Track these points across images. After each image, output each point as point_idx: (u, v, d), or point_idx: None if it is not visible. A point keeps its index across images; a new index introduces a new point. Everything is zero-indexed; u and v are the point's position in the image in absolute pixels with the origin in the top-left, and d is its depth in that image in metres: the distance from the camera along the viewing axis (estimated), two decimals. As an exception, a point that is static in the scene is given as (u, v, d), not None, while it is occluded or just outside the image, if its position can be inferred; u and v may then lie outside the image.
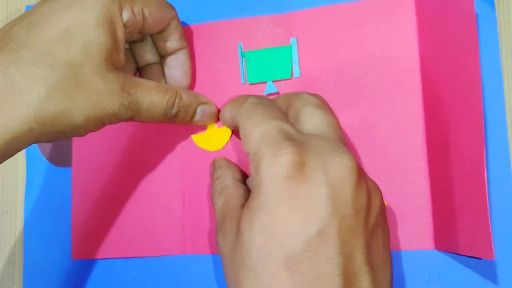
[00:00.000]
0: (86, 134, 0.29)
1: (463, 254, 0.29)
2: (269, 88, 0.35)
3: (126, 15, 0.30)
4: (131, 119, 0.30)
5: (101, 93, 0.28)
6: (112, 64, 0.29)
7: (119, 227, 0.37)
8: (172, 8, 0.34)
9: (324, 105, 0.30)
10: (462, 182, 0.28)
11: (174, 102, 0.32)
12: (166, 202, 0.37)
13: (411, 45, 0.34)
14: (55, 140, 0.28)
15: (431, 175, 0.32)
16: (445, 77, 0.30)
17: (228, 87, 0.37)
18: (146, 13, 0.31)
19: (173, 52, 0.35)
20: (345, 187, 0.24)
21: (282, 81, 0.36)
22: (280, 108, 0.30)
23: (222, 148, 0.36)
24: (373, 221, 0.25)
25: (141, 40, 0.35)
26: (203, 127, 0.37)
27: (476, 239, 0.28)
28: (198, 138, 0.37)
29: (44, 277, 0.39)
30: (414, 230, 0.33)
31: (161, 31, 0.34)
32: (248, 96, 0.31)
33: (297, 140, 0.26)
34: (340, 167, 0.24)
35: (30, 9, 0.29)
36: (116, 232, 0.37)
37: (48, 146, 0.40)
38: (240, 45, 0.36)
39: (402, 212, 0.33)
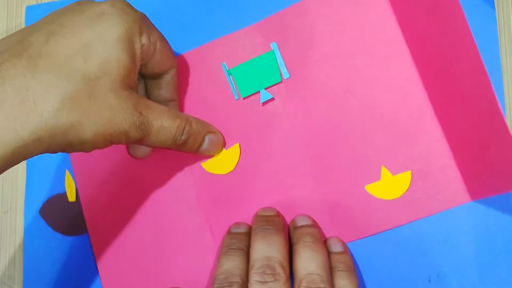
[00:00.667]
0: (92, 151, 0.29)
1: (501, 193, 0.29)
2: (263, 96, 0.36)
3: (144, 39, 0.30)
4: (140, 140, 0.30)
5: (114, 109, 0.28)
6: (127, 83, 0.29)
7: (152, 270, 0.36)
8: (175, 59, 0.34)
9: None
10: (477, 122, 0.29)
11: (184, 128, 0.32)
12: (195, 236, 0.36)
13: (387, 16, 0.34)
14: (61, 152, 0.28)
15: (445, 131, 0.33)
16: (429, 33, 0.31)
17: (224, 106, 0.37)
18: (158, 46, 0.32)
19: (165, 101, 0.35)
20: None
21: (274, 86, 0.36)
22: None
23: (234, 169, 0.36)
24: None
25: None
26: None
27: (509, 173, 0.28)
28: (208, 165, 0.36)
29: (45, 276, 0.38)
30: (446, 189, 0.33)
31: (158, 78, 0.34)
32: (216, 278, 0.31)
33: None
34: None
35: (48, 18, 0.29)
36: (149, 275, 0.36)
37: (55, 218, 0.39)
38: (224, 64, 0.37)
39: (428, 175, 0.33)
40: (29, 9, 0.42)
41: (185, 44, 0.38)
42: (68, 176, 0.38)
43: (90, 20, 0.28)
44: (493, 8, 0.34)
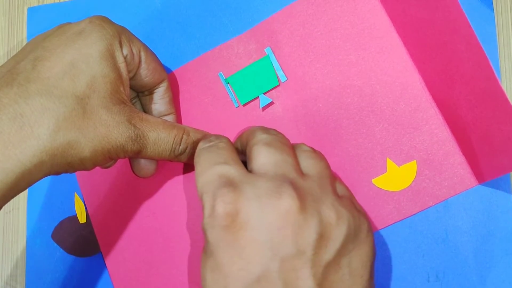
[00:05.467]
0: (94, 168, 0.29)
1: (507, 172, 0.29)
2: (263, 101, 0.36)
3: (125, 51, 0.31)
4: (138, 153, 0.30)
5: (108, 125, 0.28)
6: (117, 97, 0.29)
7: (167, 280, 0.36)
8: (165, 72, 0.35)
9: (275, 142, 0.28)
10: (478, 103, 0.29)
11: (181, 138, 0.32)
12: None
13: (377, 9, 0.35)
14: (64, 173, 0.28)
15: (445, 117, 0.33)
16: (420, 19, 0.31)
17: (225, 115, 0.37)
18: (142, 56, 0.32)
19: (161, 115, 0.35)
20: (284, 228, 0.25)
21: (273, 90, 0.36)
22: (232, 149, 0.29)
23: None
24: (329, 256, 0.25)
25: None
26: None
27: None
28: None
29: (46, 276, 0.39)
30: (453, 174, 0.33)
31: (150, 93, 0.35)
32: (205, 139, 0.31)
33: (236, 184, 0.26)
34: (276, 208, 0.25)
35: (32, 43, 0.29)
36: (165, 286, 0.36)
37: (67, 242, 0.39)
38: (221, 74, 0.37)
39: (433, 163, 0.33)
40: (31, 10, 0.42)
41: (179, 59, 0.38)
42: (77, 198, 0.39)
43: (71, 40, 0.29)
44: (492, 10, 0.34)
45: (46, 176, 0.27)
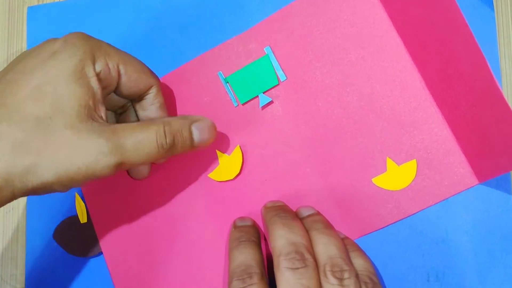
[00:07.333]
0: (67, 190, 0.28)
1: (507, 171, 0.29)
2: (262, 100, 0.36)
3: (99, 67, 0.30)
4: (120, 165, 0.29)
5: (73, 145, 0.27)
6: (85, 114, 0.28)
7: (168, 281, 0.36)
8: (154, 76, 0.34)
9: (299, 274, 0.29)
10: (477, 102, 0.29)
11: (164, 131, 0.31)
12: (209, 248, 0.36)
13: (376, 8, 0.35)
14: (33, 195, 0.28)
15: (445, 116, 0.33)
16: (419, 18, 0.31)
17: (224, 115, 0.37)
18: (122, 70, 0.31)
19: None
20: None
21: (272, 89, 0.36)
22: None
23: (240, 174, 0.36)
24: None
25: (123, 108, 0.35)
26: (215, 163, 0.36)
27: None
28: (215, 175, 0.37)
29: (46, 276, 0.39)
30: (453, 174, 0.33)
31: (141, 99, 0.34)
32: (236, 275, 0.30)
33: None
34: None
35: (11, 64, 0.29)
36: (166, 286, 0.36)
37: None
38: (220, 73, 0.37)
39: (433, 162, 0.33)
40: (31, 10, 0.42)
41: (179, 59, 0.38)
42: (78, 198, 0.39)
43: (42, 61, 0.28)
44: (492, 10, 0.34)
45: (10, 201, 0.27)
